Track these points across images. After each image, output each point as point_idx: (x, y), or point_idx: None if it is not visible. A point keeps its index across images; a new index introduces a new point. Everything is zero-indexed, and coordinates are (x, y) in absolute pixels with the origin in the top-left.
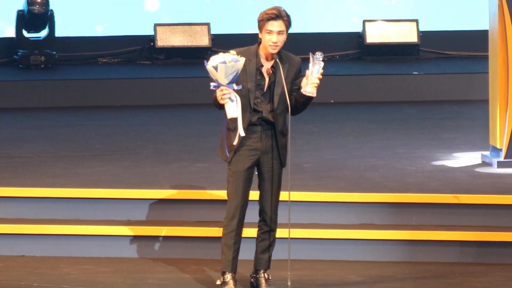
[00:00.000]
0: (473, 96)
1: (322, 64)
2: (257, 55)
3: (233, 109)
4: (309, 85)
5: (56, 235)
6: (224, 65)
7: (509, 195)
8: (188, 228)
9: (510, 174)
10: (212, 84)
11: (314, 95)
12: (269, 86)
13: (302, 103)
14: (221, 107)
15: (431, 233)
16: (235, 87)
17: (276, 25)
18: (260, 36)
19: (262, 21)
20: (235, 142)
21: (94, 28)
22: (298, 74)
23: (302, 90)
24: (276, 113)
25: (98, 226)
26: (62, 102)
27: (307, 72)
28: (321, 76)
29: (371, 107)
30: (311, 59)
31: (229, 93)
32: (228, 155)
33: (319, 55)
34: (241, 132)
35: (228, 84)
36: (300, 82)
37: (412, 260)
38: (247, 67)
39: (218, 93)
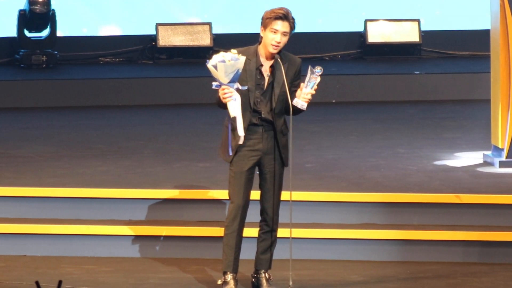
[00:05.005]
0: (475, 96)
1: (319, 79)
2: (256, 54)
3: (235, 108)
4: (302, 98)
5: (58, 235)
6: (223, 64)
7: (511, 194)
8: (189, 228)
9: (511, 174)
10: (214, 83)
11: (304, 109)
12: (268, 86)
13: (292, 112)
14: (224, 106)
15: (432, 233)
16: (240, 87)
17: (282, 25)
18: (262, 34)
19: (269, 19)
20: (241, 141)
21: (96, 28)
22: (298, 75)
23: (294, 102)
24: (274, 113)
25: (100, 226)
26: (64, 102)
27: (302, 84)
28: (314, 92)
29: (372, 106)
30: (309, 72)
31: (231, 92)
32: (230, 154)
33: (318, 70)
34: (240, 132)
35: (229, 83)
36: (299, 84)
37: (413, 260)
38: (246, 66)
39: (220, 92)
